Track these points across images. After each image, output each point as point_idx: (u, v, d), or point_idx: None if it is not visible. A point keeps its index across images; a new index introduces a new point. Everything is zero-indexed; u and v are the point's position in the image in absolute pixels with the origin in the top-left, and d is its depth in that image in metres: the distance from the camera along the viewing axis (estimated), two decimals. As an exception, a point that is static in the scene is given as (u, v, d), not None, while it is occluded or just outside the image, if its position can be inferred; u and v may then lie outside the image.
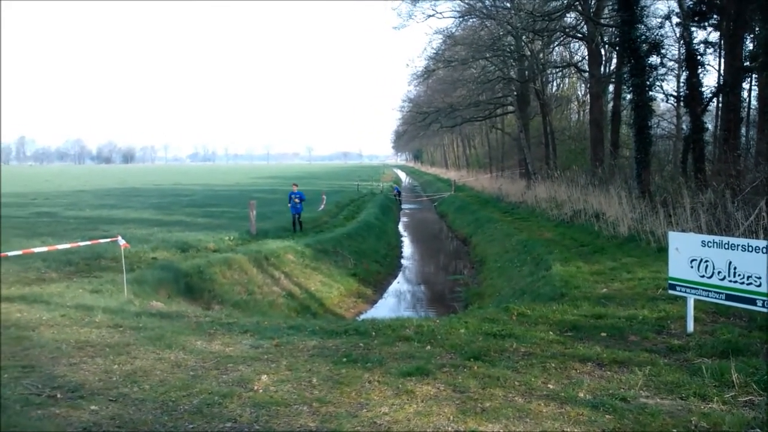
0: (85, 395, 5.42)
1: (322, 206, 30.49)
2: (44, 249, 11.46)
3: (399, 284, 19.71)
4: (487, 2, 31.00)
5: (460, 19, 33.41)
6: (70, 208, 28.20)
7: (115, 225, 20.04)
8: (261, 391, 5.51)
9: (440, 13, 32.87)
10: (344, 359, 6.48)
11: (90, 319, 8.35)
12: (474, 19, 32.42)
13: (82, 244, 12.10)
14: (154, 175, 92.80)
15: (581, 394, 5.23)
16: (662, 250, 12.29)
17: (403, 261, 24.01)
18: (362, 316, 14.57)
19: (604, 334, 7.24)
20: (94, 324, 8.11)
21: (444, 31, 35.70)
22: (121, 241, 10.86)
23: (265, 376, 5.92)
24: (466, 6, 31.57)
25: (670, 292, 7.40)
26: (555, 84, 42.56)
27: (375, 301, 17.05)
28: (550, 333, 7.38)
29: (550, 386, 5.48)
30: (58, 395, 5.42)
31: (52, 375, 6.00)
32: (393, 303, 17.01)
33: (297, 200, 21.87)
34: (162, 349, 6.97)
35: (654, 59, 18.70)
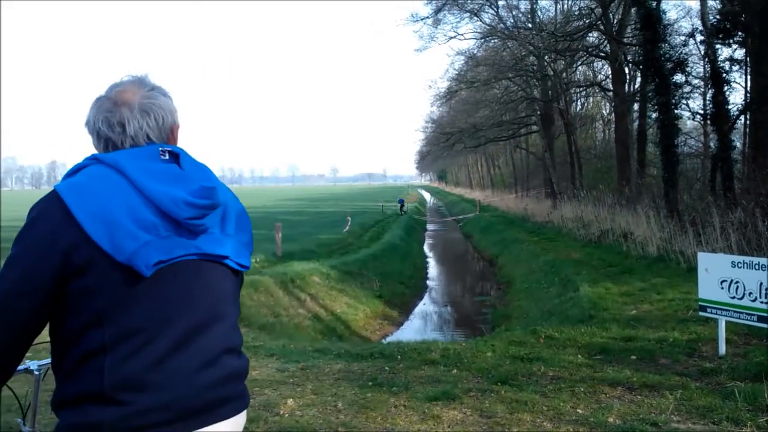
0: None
1: (347, 228, 30.62)
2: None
3: (425, 306, 19.63)
4: (509, 23, 31.17)
5: (482, 41, 33.66)
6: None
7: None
8: (287, 415, 5.52)
9: (461, 34, 33.03)
10: (370, 383, 6.46)
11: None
12: (496, 40, 32.59)
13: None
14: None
15: (611, 419, 5.14)
16: (692, 270, 12.05)
17: (428, 282, 23.93)
18: (388, 339, 14.53)
19: (633, 357, 7.13)
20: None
21: (466, 52, 35.94)
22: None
23: (291, 400, 5.93)
24: (488, 27, 31.79)
25: (701, 314, 7.27)
26: (579, 103, 42.34)
27: (401, 323, 17.00)
28: (579, 356, 7.29)
29: (579, 411, 5.41)
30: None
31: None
32: (419, 325, 16.93)
33: None
34: (190, 373, 7.02)
35: (679, 77, 18.59)
